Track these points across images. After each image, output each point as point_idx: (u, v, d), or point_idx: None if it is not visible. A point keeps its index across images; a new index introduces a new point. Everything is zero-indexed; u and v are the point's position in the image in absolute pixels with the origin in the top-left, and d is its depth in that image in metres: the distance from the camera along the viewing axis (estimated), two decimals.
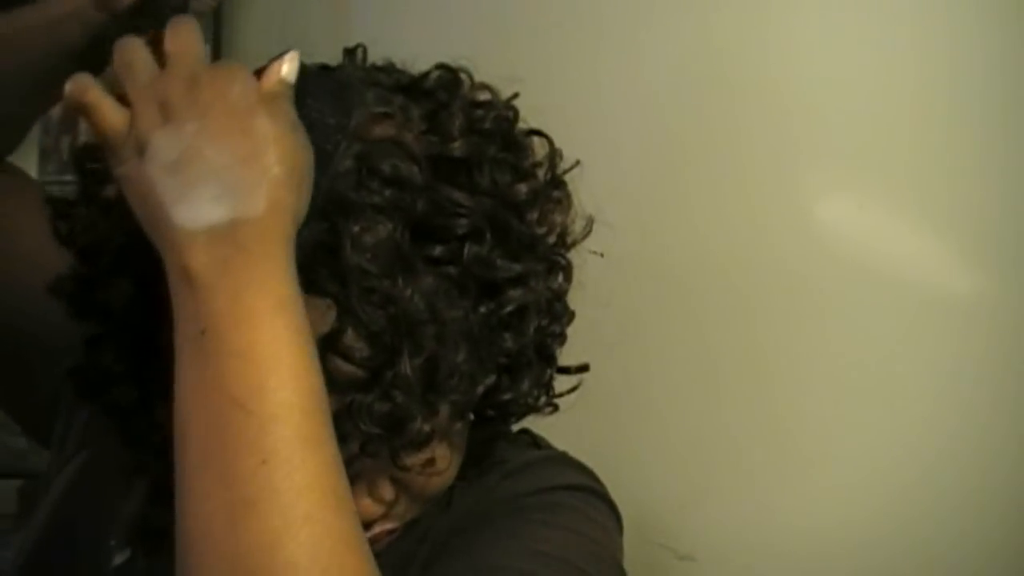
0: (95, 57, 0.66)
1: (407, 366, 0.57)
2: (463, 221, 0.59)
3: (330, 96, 0.60)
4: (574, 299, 0.74)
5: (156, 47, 0.56)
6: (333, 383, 0.54)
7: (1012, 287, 0.89)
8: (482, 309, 0.60)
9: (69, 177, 1.58)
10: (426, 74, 0.66)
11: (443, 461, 0.64)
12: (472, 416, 0.67)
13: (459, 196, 0.59)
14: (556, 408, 0.68)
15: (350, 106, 0.60)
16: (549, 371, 0.67)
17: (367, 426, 0.57)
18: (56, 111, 0.86)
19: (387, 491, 0.64)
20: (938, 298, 0.91)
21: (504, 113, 0.66)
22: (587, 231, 0.68)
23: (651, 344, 1.03)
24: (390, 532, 0.66)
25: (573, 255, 0.69)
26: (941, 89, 0.92)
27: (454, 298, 0.59)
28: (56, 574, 0.75)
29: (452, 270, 0.59)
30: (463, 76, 0.66)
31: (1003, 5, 0.89)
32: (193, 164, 0.52)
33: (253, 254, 0.51)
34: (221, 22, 1.59)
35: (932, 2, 0.92)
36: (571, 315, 0.68)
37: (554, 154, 0.67)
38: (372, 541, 0.63)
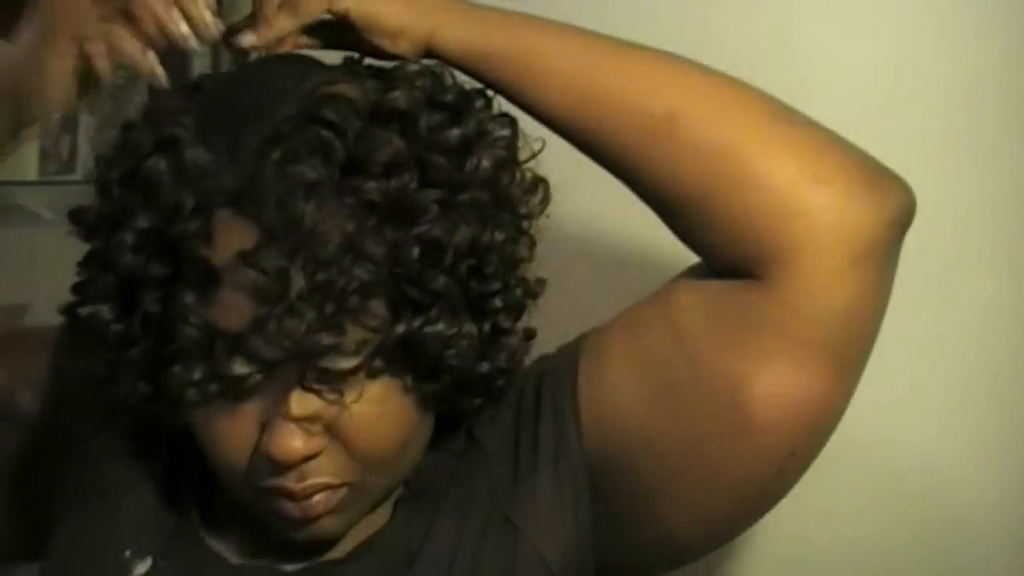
0: None
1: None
2: (386, 156, 0.61)
3: (292, 65, 0.67)
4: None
5: None
6: None
7: (1015, 287, 0.89)
8: (389, 235, 0.62)
9: (69, 177, 1.57)
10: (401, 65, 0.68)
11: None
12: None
13: (385, 134, 0.62)
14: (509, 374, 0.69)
15: (308, 72, 0.65)
16: (485, 326, 0.66)
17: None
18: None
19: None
20: (940, 298, 0.91)
21: (464, 88, 0.68)
22: (545, 203, 0.69)
23: None
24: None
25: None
26: (943, 90, 0.92)
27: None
28: None
29: (376, 197, 0.61)
30: (440, 71, 0.68)
31: (1017, 7, 0.90)
32: None
33: None
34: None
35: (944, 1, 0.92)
36: (540, 282, 0.69)
37: (516, 136, 0.69)
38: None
